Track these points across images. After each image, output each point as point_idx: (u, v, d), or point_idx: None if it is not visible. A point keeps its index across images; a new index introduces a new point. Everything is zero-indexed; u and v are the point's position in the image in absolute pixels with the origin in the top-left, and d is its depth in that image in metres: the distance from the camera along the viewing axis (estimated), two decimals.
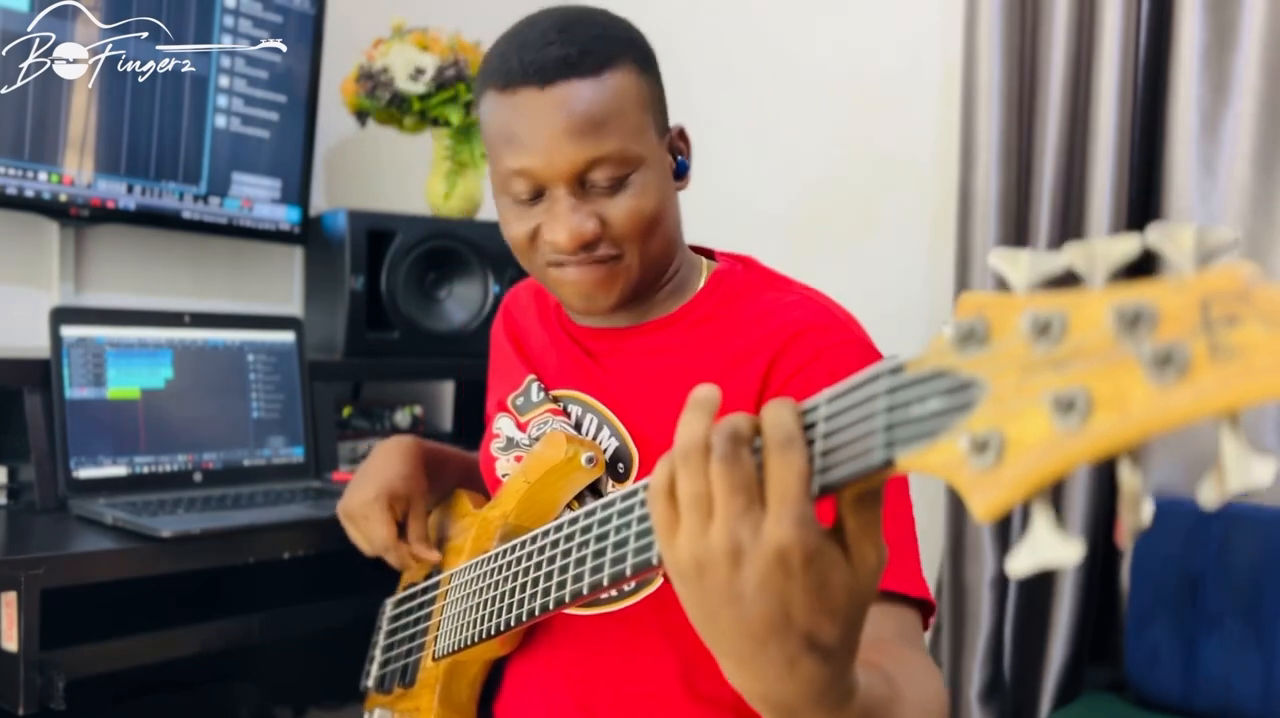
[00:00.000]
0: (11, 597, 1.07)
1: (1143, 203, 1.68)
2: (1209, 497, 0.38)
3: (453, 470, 1.14)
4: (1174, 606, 1.53)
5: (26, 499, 1.38)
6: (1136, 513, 0.40)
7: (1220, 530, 1.51)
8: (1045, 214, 1.70)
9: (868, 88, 2.01)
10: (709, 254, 1.01)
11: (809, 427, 0.50)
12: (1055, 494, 1.69)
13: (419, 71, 1.75)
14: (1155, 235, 0.39)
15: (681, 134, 0.94)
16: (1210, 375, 0.36)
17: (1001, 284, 0.49)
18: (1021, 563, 0.41)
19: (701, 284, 0.95)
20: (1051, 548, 0.41)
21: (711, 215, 2.22)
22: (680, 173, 0.93)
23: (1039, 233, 1.71)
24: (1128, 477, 0.40)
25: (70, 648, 1.13)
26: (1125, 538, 0.41)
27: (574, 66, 0.82)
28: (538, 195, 0.86)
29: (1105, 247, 0.40)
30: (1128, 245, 0.40)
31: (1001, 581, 1.76)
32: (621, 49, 0.86)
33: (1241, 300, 0.36)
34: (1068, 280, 0.41)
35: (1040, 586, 1.72)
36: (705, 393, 0.53)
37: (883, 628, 0.74)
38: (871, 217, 2.01)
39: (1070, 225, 1.71)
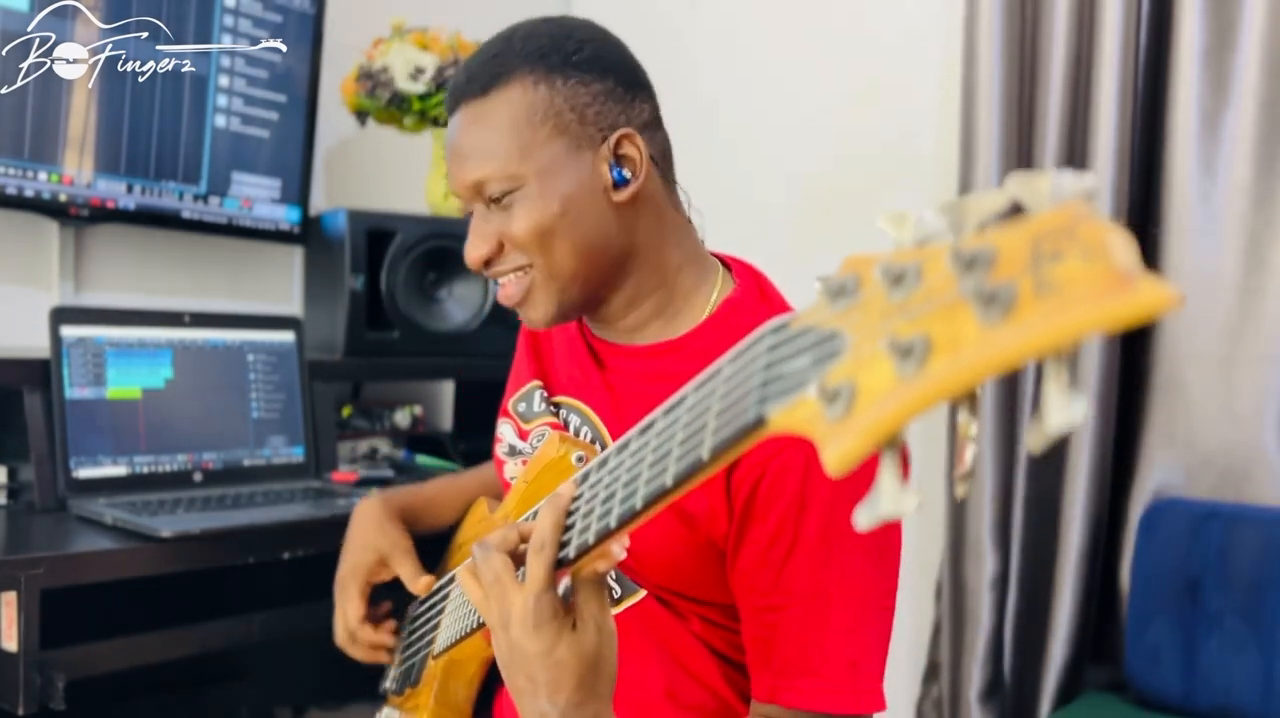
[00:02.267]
0: (11, 597, 1.07)
1: (1143, 203, 1.68)
2: (1034, 440, 0.37)
3: (447, 496, 1.16)
4: (1174, 606, 1.53)
5: (26, 499, 1.38)
6: (961, 459, 0.40)
7: (1220, 530, 1.51)
8: None
9: (868, 85, 2.01)
10: (726, 264, 0.98)
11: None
12: (1056, 495, 1.69)
13: (419, 71, 1.75)
14: (1016, 184, 0.38)
15: (626, 139, 0.87)
16: (1033, 311, 0.35)
17: None
18: (863, 517, 0.41)
19: (711, 306, 0.92)
20: (892, 499, 0.40)
21: (712, 210, 2.22)
22: (616, 183, 0.87)
23: None
24: (962, 421, 0.40)
25: (70, 648, 1.13)
26: (958, 487, 0.41)
27: (465, 92, 0.87)
28: (470, 209, 0.91)
29: (975, 200, 0.40)
30: (996, 199, 0.39)
31: (1002, 581, 1.76)
32: (516, 65, 0.85)
33: (1067, 236, 0.35)
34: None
35: (1040, 586, 1.72)
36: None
37: None
38: (871, 214, 2.00)
39: None
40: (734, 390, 0.49)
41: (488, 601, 0.69)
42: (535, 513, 0.75)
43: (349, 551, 1.08)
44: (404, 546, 1.07)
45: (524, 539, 0.71)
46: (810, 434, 0.42)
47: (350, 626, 1.06)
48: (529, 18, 0.91)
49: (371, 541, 1.06)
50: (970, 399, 0.39)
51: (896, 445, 0.40)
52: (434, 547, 1.12)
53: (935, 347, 0.37)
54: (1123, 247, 0.34)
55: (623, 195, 0.87)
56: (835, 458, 0.40)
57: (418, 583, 1.04)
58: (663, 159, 0.92)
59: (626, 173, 0.87)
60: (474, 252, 0.89)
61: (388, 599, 1.12)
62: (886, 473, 0.40)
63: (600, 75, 0.87)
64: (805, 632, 0.80)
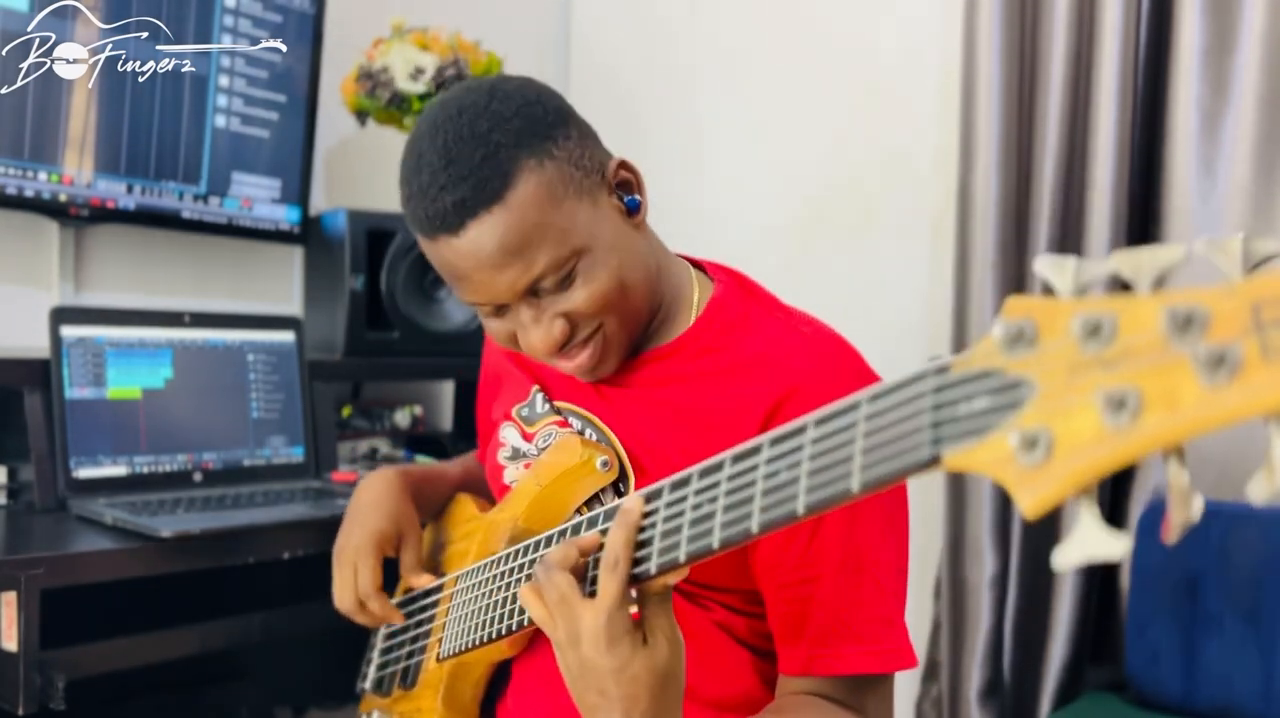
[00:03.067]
0: (11, 597, 1.07)
1: (1143, 203, 1.68)
2: (1259, 492, 0.39)
3: (443, 487, 1.15)
4: (1174, 606, 1.53)
5: (26, 499, 1.38)
6: (1186, 508, 0.41)
7: (1220, 530, 1.51)
8: (1045, 214, 1.70)
9: (868, 88, 2.01)
10: (697, 264, 0.99)
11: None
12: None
13: (419, 71, 1.75)
14: (1203, 245, 0.40)
15: (624, 166, 0.89)
16: (1262, 375, 0.37)
17: (1008, 290, 0.49)
18: (1070, 556, 0.42)
19: (697, 308, 0.93)
20: (1100, 542, 0.41)
21: (712, 217, 2.23)
22: (631, 210, 0.89)
23: (1039, 233, 1.71)
24: (1175, 473, 0.41)
25: (70, 648, 1.13)
26: (1172, 534, 0.42)
27: (474, 207, 0.81)
28: (501, 308, 0.88)
29: (1151, 254, 0.42)
30: (1174, 253, 0.41)
31: (1001, 580, 1.76)
32: (512, 157, 0.81)
33: None
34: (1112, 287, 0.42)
35: (1040, 585, 1.72)
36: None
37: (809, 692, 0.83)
38: (871, 216, 2.01)
39: (1070, 225, 1.71)
40: (890, 427, 0.51)
41: (553, 619, 0.70)
42: (579, 525, 0.75)
43: (366, 516, 1.05)
44: (419, 530, 1.07)
45: (583, 554, 0.71)
46: (997, 477, 0.44)
47: (366, 591, 1.03)
48: (467, 102, 0.85)
49: (394, 511, 1.05)
50: (1179, 453, 0.41)
51: (1091, 493, 0.42)
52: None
53: (1148, 401, 0.39)
54: None
55: (640, 218, 0.90)
56: (1034, 504, 0.42)
57: (418, 576, 1.03)
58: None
59: (637, 196, 0.90)
60: (550, 338, 0.86)
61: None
62: (1089, 518, 0.42)
63: (564, 126, 0.86)
64: (841, 599, 0.82)
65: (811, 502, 0.56)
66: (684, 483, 0.65)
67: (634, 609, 0.69)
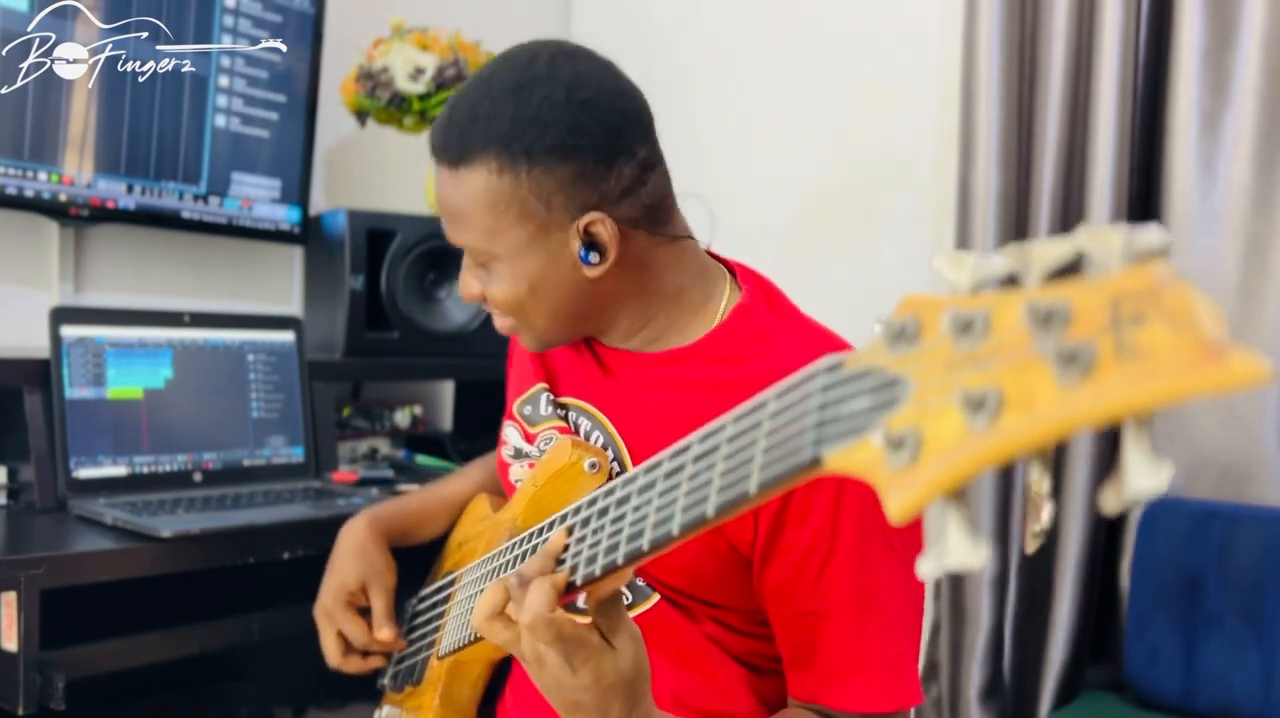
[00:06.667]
0: (11, 597, 1.06)
1: (1143, 202, 1.68)
2: (1110, 503, 0.37)
3: (432, 512, 1.16)
4: (1174, 606, 1.53)
5: (26, 499, 1.38)
6: (1037, 517, 0.39)
7: (1220, 530, 1.51)
8: (1045, 214, 1.70)
9: (868, 87, 2.01)
10: (729, 267, 0.97)
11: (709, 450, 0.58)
12: (1056, 494, 1.69)
13: (419, 71, 1.75)
14: (1085, 237, 0.38)
15: (597, 223, 0.84)
16: (1114, 375, 0.35)
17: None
18: (928, 567, 0.40)
19: (721, 314, 0.91)
20: (959, 552, 0.39)
21: (713, 215, 2.22)
22: (584, 262, 0.85)
23: (1039, 233, 1.71)
24: (1035, 479, 0.39)
25: (70, 648, 1.13)
26: (1028, 544, 0.40)
27: (439, 154, 0.87)
28: None
29: (1041, 248, 0.40)
30: (1062, 248, 0.39)
31: (1001, 580, 1.76)
32: (483, 146, 0.82)
33: (1151, 299, 0.35)
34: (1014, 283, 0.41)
35: (1040, 586, 1.72)
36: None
37: None
38: (872, 216, 2.01)
39: (1070, 225, 1.71)
40: (784, 427, 0.49)
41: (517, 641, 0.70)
42: (543, 528, 0.76)
43: (332, 573, 1.08)
44: (385, 578, 1.07)
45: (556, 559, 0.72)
46: (870, 479, 0.42)
47: (364, 643, 1.06)
48: (539, 73, 0.83)
49: (355, 566, 1.06)
50: (1041, 457, 0.39)
51: (960, 497, 0.40)
52: (420, 552, 1.12)
53: (1008, 402, 0.37)
54: (1211, 316, 0.34)
55: (595, 273, 0.86)
56: (899, 507, 0.40)
57: (383, 630, 1.04)
58: (653, 208, 0.88)
59: (593, 257, 0.85)
60: (464, 289, 0.93)
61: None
62: (952, 525, 0.40)
63: (567, 158, 0.82)
64: (847, 636, 0.82)
65: (720, 502, 0.54)
66: (631, 481, 0.65)
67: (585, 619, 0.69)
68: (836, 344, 0.89)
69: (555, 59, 0.84)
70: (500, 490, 1.12)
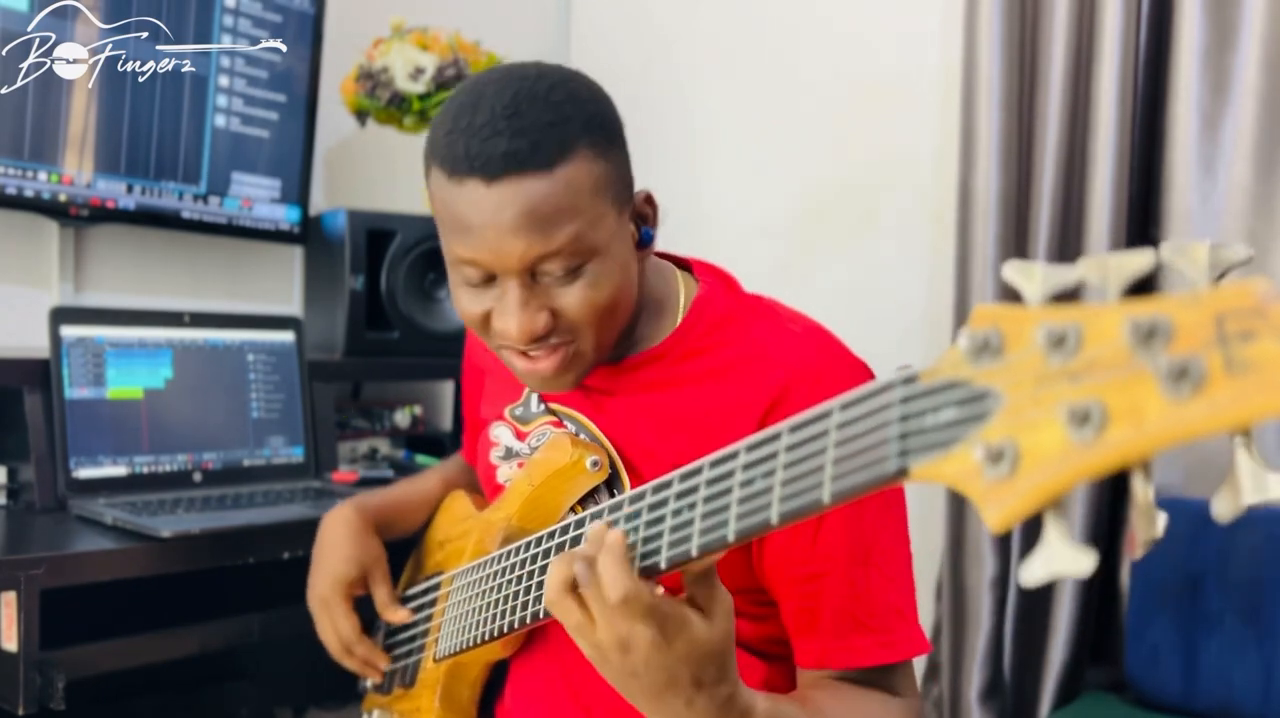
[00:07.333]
0: (11, 597, 1.06)
1: (1143, 202, 1.68)
2: (1223, 510, 0.38)
3: (415, 506, 1.15)
4: (1174, 606, 1.53)
5: (26, 499, 1.38)
6: (1150, 525, 0.40)
7: (1220, 531, 1.51)
8: (1045, 214, 1.70)
9: (868, 88, 2.01)
10: (680, 263, 0.98)
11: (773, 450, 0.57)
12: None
13: (419, 71, 1.75)
14: (1169, 251, 0.40)
15: (648, 200, 0.89)
16: (1225, 389, 0.36)
17: (1008, 291, 0.49)
18: (1035, 573, 0.41)
19: (683, 309, 0.92)
20: (1064, 558, 0.41)
21: (712, 217, 2.23)
22: (644, 243, 0.88)
23: (1039, 233, 1.71)
24: (1140, 489, 0.40)
25: (70, 648, 1.13)
26: (1137, 550, 0.41)
27: (523, 162, 0.77)
28: (489, 280, 0.83)
29: (1118, 261, 0.41)
30: (1141, 260, 0.40)
31: (1001, 581, 1.76)
32: (577, 135, 0.79)
33: (1257, 316, 0.36)
34: (1080, 293, 0.41)
35: (1040, 587, 1.72)
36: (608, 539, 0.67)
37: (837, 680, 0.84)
38: (872, 216, 2.01)
39: (1070, 225, 1.71)
40: (859, 438, 0.50)
41: (592, 626, 0.68)
42: (568, 526, 0.76)
43: (326, 562, 1.06)
44: (383, 564, 1.07)
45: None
46: (963, 490, 0.43)
47: (348, 639, 1.05)
48: (546, 71, 0.84)
49: (353, 553, 1.05)
50: (1144, 468, 0.40)
51: (1059, 506, 0.41)
52: (400, 547, 1.12)
53: (1113, 415, 0.38)
54: None
55: (646, 253, 0.89)
56: (999, 518, 0.41)
57: (396, 612, 1.04)
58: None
59: (652, 230, 0.89)
60: (531, 327, 0.82)
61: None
62: (1055, 534, 0.41)
63: (621, 138, 0.86)
64: (851, 592, 0.82)
65: (785, 511, 0.55)
66: (665, 486, 0.65)
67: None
68: (805, 324, 0.91)
69: (540, 66, 0.85)
70: (474, 488, 1.12)
